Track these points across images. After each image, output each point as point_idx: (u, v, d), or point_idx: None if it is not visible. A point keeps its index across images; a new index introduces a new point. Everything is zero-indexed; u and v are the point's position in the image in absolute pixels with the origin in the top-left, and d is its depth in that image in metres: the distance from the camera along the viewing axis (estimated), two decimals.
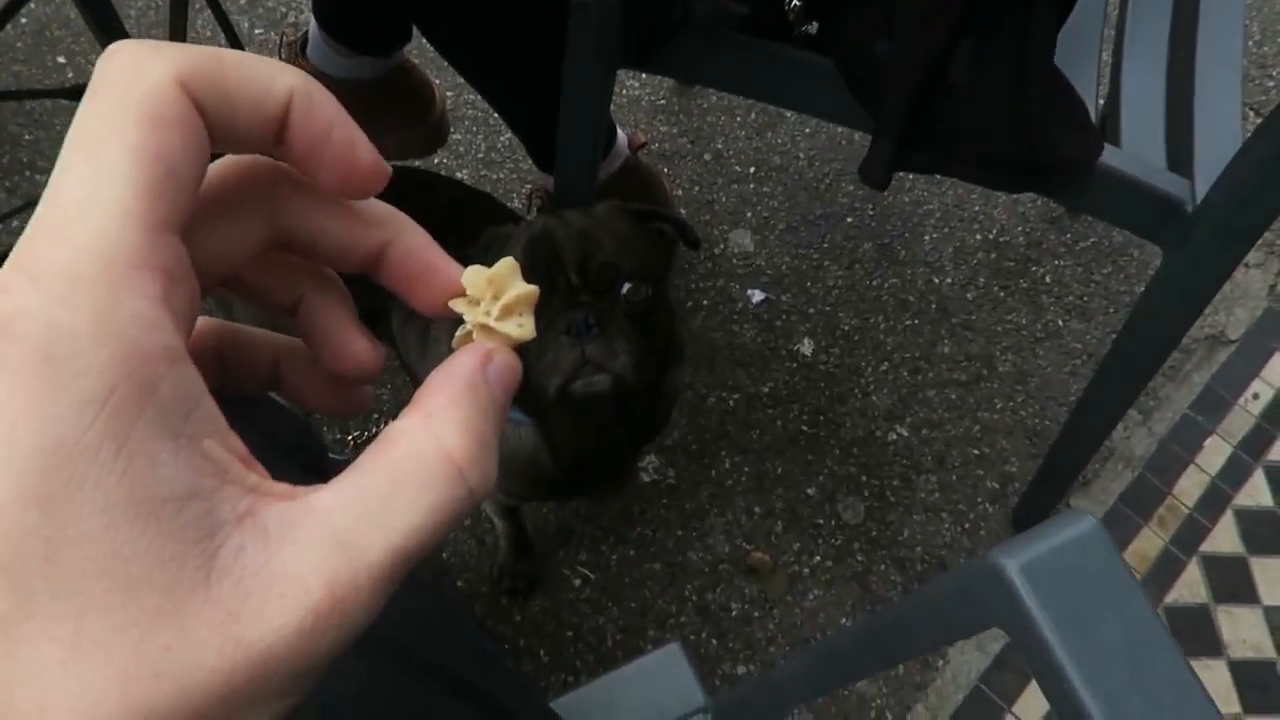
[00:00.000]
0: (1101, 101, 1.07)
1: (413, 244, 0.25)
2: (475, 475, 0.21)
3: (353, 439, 1.03)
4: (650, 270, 0.85)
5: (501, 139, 1.67)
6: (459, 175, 1.63)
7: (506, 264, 0.25)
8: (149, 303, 0.19)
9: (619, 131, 1.42)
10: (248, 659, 0.18)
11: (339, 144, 0.22)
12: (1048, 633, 0.34)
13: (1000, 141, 0.90)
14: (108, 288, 0.18)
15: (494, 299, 0.25)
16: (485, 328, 0.25)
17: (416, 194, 1.11)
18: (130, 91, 0.19)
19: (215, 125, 0.20)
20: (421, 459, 0.21)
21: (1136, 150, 0.96)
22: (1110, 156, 0.91)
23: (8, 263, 0.19)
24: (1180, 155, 0.95)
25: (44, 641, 0.17)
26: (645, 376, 0.83)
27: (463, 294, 0.25)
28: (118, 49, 0.20)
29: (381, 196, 0.24)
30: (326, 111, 0.22)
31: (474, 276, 0.25)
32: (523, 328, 0.25)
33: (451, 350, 0.25)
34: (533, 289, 0.25)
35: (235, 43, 1.35)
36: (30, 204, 1.42)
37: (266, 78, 0.21)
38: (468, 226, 0.97)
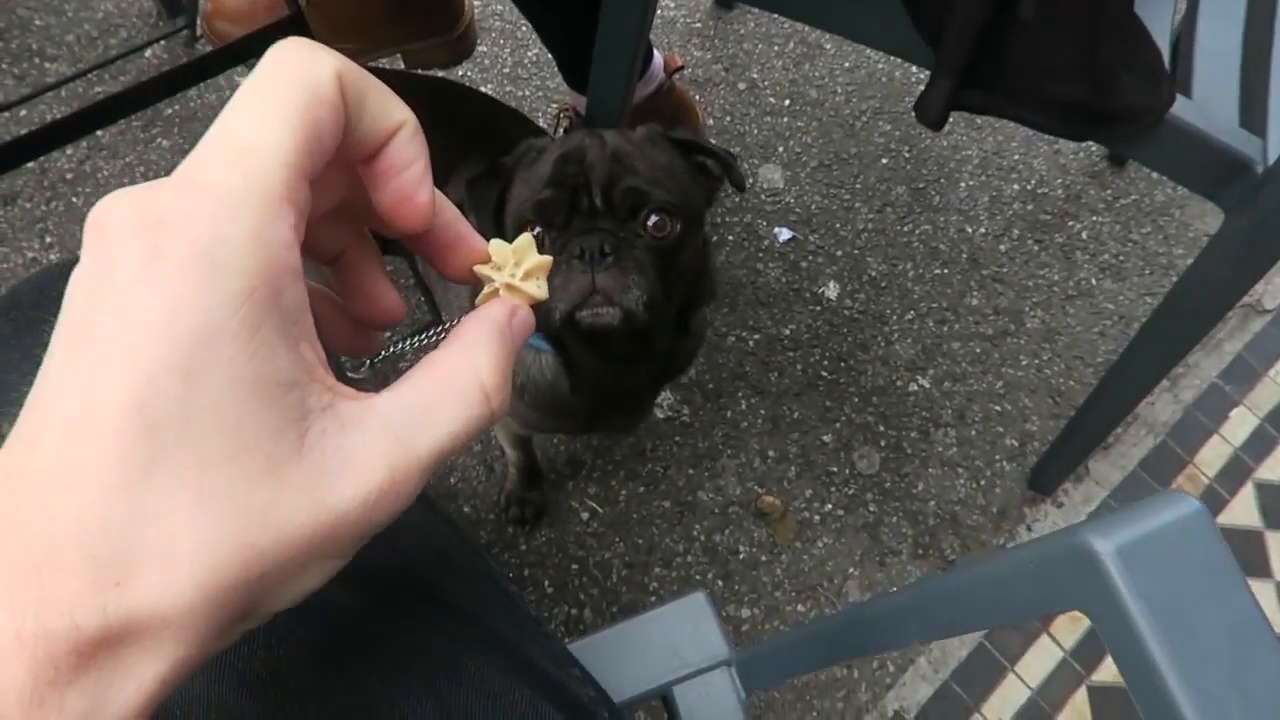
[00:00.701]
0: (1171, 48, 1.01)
1: (446, 218, 0.30)
2: (498, 400, 0.27)
3: (368, 359, 1.01)
4: (683, 206, 0.79)
5: (529, 54, 1.61)
6: (483, 90, 1.57)
7: (525, 239, 0.31)
8: (289, 229, 0.24)
9: (655, 53, 1.35)
10: (329, 518, 0.23)
11: (410, 176, 0.27)
12: (1142, 624, 0.31)
13: (1066, 84, 0.85)
14: (264, 211, 0.23)
15: (516, 265, 0.30)
16: (509, 287, 0.30)
17: (446, 106, 1.06)
18: (303, 71, 0.25)
19: (345, 120, 0.25)
20: (461, 382, 0.27)
21: (1207, 103, 0.91)
22: (1179, 108, 0.85)
23: (180, 173, 0.23)
24: (1253, 111, 0.90)
25: (175, 487, 0.21)
26: (661, 314, 0.78)
27: (487, 261, 0.31)
28: (297, 41, 0.25)
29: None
30: (420, 147, 0.27)
31: (498, 248, 0.31)
32: (540, 289, 0.31)
33: (474, 305, 0.30)
34: (547, 259, 0.31)
35: None
36: (38, 93, 1.36)
37: (393, 104, 0.27)
38: (496, 142, 0.92)
